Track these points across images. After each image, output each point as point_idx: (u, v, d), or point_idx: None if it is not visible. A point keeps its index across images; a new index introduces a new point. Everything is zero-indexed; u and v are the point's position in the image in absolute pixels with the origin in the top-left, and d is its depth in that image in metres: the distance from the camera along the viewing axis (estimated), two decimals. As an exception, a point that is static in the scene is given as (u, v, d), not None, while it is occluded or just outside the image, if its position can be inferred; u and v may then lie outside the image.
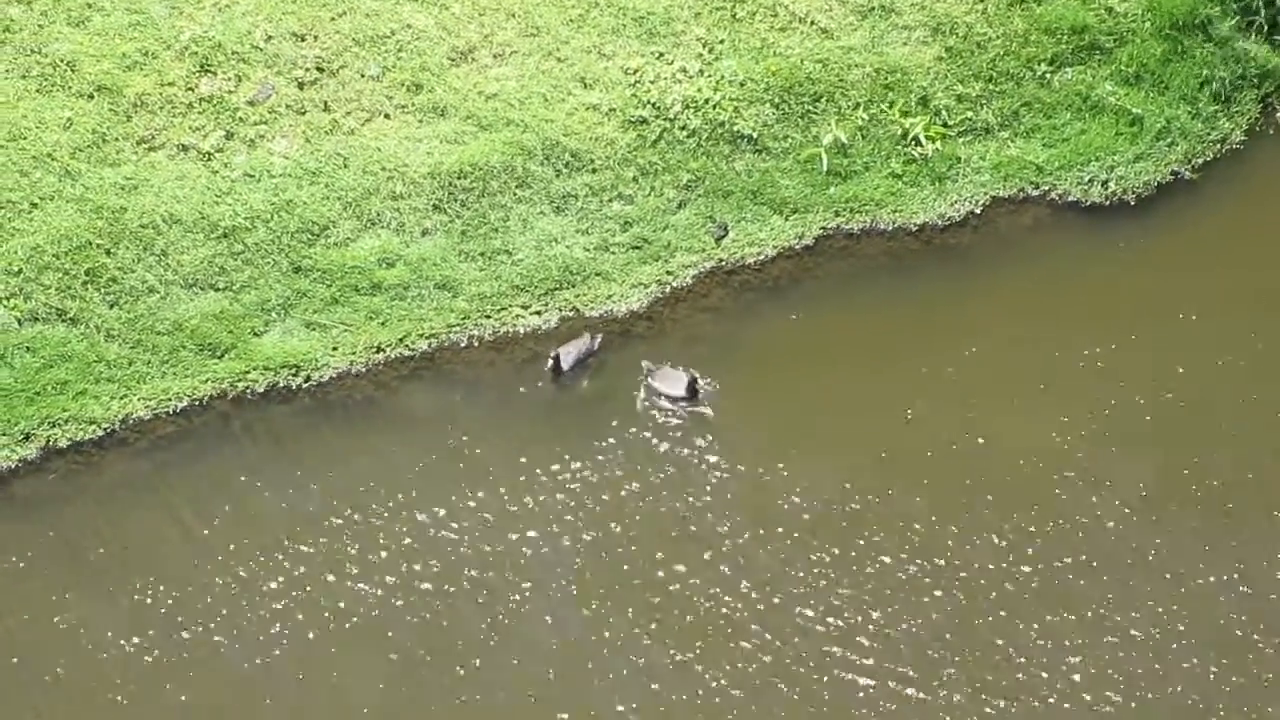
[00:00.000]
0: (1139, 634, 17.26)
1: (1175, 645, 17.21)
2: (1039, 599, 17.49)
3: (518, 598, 17.54)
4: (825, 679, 17.00)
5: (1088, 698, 16.90)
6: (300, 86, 20.51)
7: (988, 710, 16.83)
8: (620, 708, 16.92)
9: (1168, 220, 20.38)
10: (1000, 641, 17.21)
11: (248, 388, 18.92)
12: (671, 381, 18.75)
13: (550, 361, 18.81)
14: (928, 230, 20.22)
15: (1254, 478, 18.20)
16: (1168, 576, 17.59)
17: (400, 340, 19.22)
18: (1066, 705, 16.88)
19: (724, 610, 17.43)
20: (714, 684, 17.00)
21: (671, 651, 17.22)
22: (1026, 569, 17.68)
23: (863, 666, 17.06)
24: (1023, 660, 17.11)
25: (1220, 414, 18.71)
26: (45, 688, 17.11)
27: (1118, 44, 21.18)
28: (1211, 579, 17.57)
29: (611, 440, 18.54)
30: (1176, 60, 21.06)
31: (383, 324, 19.27)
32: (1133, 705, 16.86)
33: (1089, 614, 17.38)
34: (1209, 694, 16.93)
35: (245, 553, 17.81)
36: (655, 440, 18.56)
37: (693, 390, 18.70)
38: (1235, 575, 17.63)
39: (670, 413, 18.68)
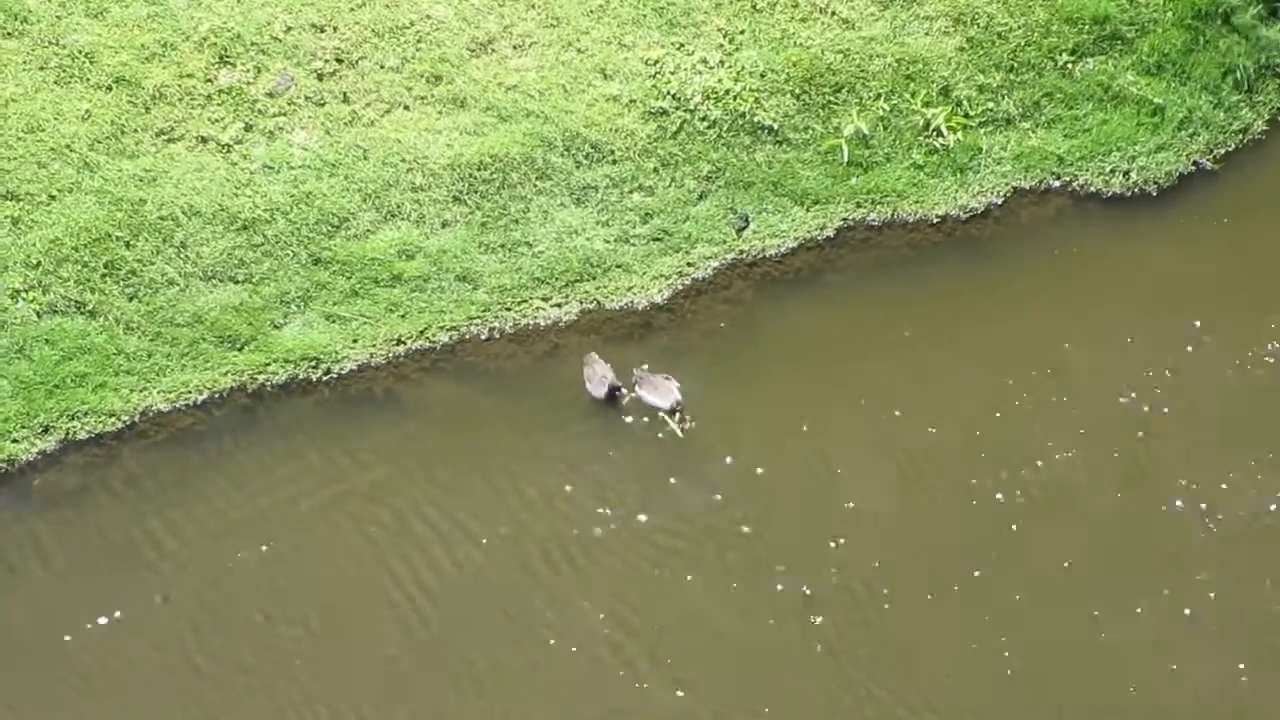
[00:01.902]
0: (1194, 617, 17.30)
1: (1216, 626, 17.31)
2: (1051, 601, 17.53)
3: (532, 588, 17.56)
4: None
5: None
6: (319, 78, 20.46)
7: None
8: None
9: (1189, 211, 20.33)
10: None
11: (268, 380, 18.89)
12: (660, 392, 18.61)
13: (606, 393, 18.57)
14: (949, 221, 20.17)
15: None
16: (1199, 577, 17.61)
17: (420, 332, 19.18)
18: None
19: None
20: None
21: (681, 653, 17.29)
22: (1059, 564, 17.69)
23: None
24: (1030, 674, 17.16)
25: (1241, 405, 18.66)
26: (64, 682, 17.12)
27: (1139, 34, 21.12)
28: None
29: (631, 433, 18.53)
30: (1198, 50, 21.00)
31: (403, 316, 19.23)
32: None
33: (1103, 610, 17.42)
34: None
35: (265, 545, 17.80)
36: (673, 436, 18.53)
37: (675, 409, 18.58)
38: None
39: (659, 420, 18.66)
